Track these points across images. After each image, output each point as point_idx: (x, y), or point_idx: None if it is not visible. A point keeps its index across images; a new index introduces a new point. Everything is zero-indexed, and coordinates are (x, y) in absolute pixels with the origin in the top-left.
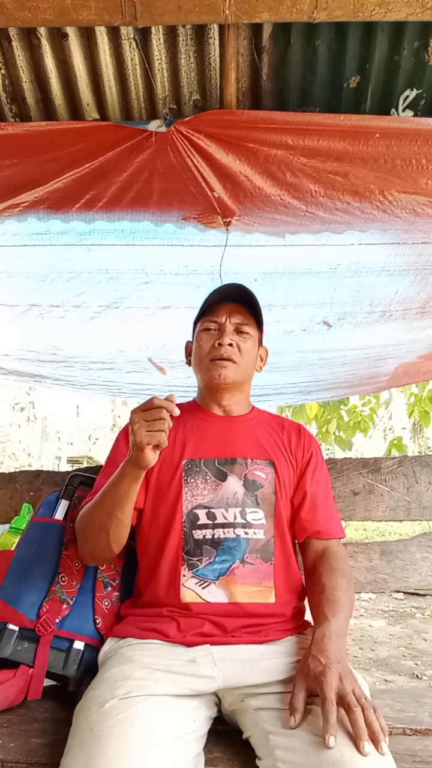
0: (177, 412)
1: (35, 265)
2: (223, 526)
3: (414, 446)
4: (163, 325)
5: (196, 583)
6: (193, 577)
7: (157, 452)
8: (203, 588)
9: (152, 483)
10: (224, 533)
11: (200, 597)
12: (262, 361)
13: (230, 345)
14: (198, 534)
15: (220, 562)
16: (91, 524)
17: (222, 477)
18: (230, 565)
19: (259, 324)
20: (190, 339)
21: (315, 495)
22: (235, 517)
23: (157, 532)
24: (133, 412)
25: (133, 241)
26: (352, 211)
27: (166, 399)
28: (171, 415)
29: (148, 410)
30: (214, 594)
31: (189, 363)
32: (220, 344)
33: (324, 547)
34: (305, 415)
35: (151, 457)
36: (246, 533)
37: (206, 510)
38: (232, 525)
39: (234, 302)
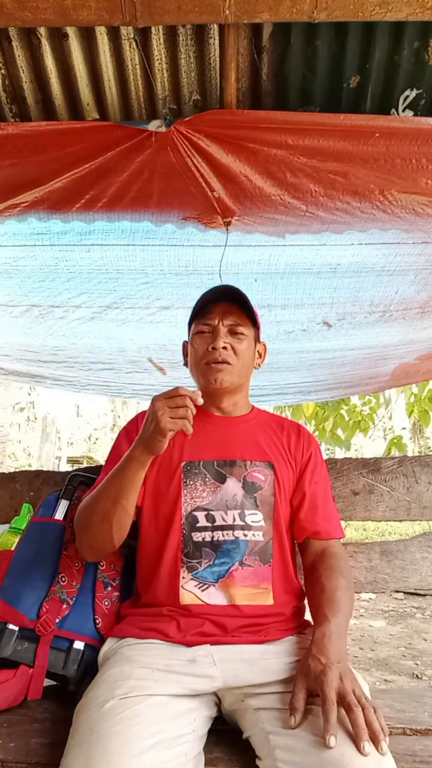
0: (201, 401)
1: (35, 265)
2: (222, 528)
3: (414, 446)
4: (163, 325)
5: (196, 586)
6: (192, 579)
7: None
8: (202, 591)
9: (151, 483)
10: (223, 535)
11: (199, 599)
12: (260, 357)
13: (224, 348)
14: (197, 536)
15: (219, 564)
16: (94, 513)
17: (221, 479)
18: (229, 568)
19: (254, 322)
20: (187, 339)
21: (314, 495)
22: (234, 520)
23: (157, 535)
24: (156, 399)
25: (133, 241)
26: (352, 211)
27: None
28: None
29: (172, 398)
30: (213, 596)
31: (186, 364)
32: (214, 348)
33: (323, 547)
34: (302, 413)
35: (167, 443)
36: (245, 535)
37: (205, 512)
38: (231, 527)
39: (226, 302)
